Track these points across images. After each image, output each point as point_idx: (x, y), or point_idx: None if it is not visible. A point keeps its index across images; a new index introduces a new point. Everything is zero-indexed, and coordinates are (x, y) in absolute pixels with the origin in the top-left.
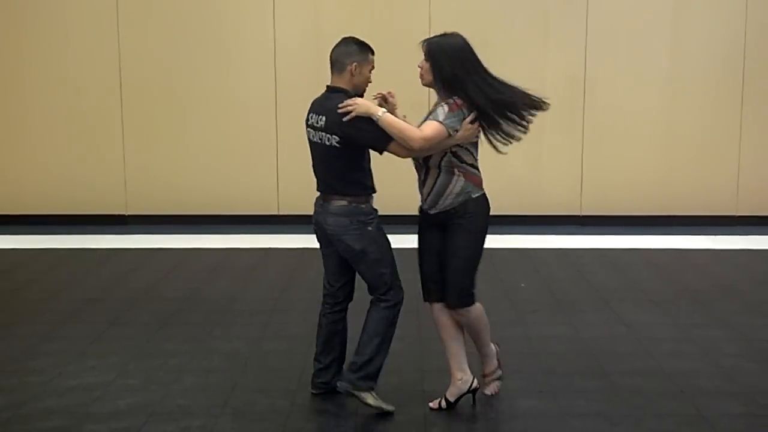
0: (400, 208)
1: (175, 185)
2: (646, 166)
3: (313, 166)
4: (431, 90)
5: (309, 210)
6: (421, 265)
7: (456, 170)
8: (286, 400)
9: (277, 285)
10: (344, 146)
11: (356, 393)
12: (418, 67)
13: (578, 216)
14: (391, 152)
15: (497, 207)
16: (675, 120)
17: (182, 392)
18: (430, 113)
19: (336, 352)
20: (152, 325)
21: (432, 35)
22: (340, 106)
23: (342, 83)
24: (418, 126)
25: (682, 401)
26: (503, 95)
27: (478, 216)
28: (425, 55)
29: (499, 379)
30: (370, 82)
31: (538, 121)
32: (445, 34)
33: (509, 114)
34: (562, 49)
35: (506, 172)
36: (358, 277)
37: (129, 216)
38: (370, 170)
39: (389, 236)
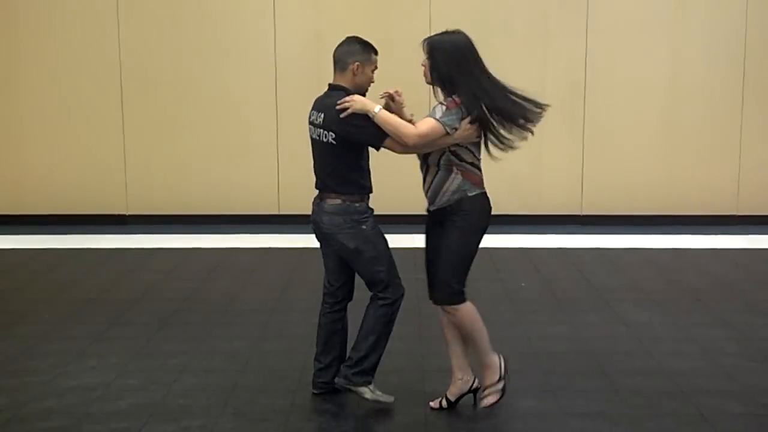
0: (400, 208)
1: (175, 185)
2: (646, 166)
3: (313, 164)
4: (431, 90)
5: (309, 210)
6: (426, 264)
7: (455, 168)
8: (286, 400)
9: (277, 285)
10: (340, 143)
11: (353, 388)
12: (422, 65)
13: (578, 216)
14: (387, 148)
15: (497, 207)
16: (675, 119)
17: (182, 392)
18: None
19: (336, 351)
20: (152, 325)
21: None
22: (338, 102)
23: (344, 82)
24: None
25: (682, 401)
26: (495, 102)
27: (473, 214)
28: (426, 53)
29: (500, 392)
30: (373, 82)
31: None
32: (446, 32)
33: (503, 121)
34: (562, 49)
35: (506, 172)
36: (358, 276)
37: (129, 216)
38: (368, 170)
39: (390, 236)
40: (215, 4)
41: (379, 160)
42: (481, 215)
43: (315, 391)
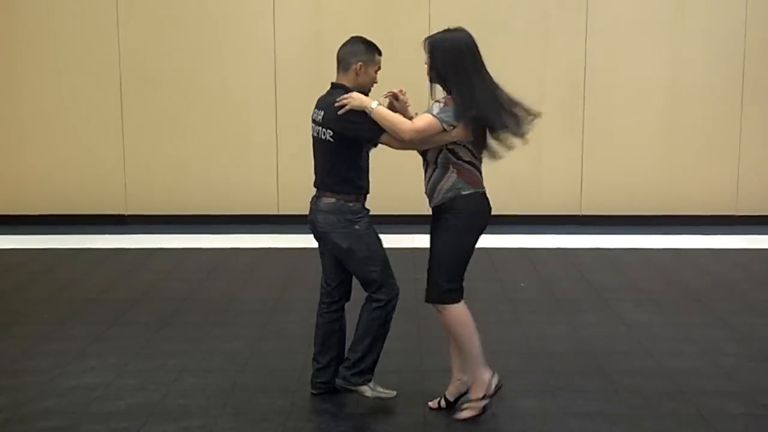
0: (399, 208)
1: (175, 185)
2: (646, 166)
3: (314, 162)
4: (429, 88)
5: (308, 210)
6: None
7: (451, 166)
8: (286, 400)
9: (277, 285)
10: (338, 140)
11: (353, 388)
12: (425, 64)
13: (578, 216)
14: (384, 144)
15: (497, 207)
16: (675, 119)
17: (182, 392)
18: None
19: (334, 351)
20: (152, 325)
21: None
22: (336, 100)
23: (346, 81)
24: None
25: (681, 401)
26: (482, 112)
27: (466, 213)
28: (427, 52)
29: (480, 410)
30: (376, 82)
31: (538, 120)
32: (448, 30)
33: (488, 130)
34: (562, 49)
35: (506, 172)
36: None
37: (129, 216)
38: (366, 170)
39: (389, 236)
40: (215, 4)
41: (379, 159)
42: (475, 215)
43: (314, 392)
